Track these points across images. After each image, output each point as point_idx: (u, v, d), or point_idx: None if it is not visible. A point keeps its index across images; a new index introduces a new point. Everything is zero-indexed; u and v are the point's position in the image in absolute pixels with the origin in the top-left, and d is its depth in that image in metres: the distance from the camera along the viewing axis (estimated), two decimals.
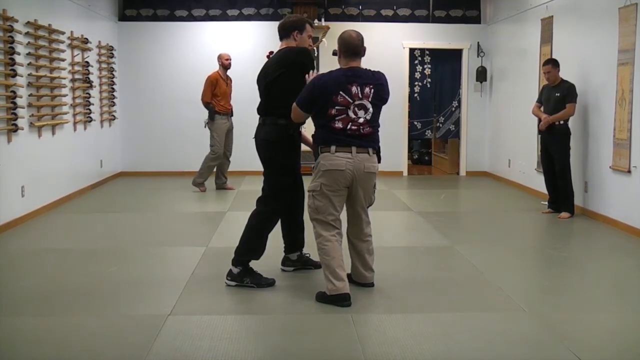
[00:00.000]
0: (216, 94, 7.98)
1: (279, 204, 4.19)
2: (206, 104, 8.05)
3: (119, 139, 9.78)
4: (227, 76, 8.16)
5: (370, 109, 3.84)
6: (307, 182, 4.06)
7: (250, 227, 4.18)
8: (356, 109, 3.80)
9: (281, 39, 4.23)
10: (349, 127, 3.80)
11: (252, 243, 4.16)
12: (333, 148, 3.81)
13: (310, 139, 4.16)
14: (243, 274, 4.14)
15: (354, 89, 3.79)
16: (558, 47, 7.35)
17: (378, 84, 3.87)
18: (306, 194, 4.13)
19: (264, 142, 4.16)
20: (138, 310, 3.78)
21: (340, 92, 3.77)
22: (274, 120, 4.10)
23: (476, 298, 4.02)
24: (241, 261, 4.15)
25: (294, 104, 3.92)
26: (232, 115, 8.22)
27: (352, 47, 3.87)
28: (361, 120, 3.82)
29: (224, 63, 8.05)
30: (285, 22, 4.23)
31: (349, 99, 3.78)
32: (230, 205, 7.33)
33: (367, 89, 3.82)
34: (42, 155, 6.75)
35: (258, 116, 4.26)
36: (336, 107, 3.78)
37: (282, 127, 4.08)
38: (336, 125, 3.80)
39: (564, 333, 3.41)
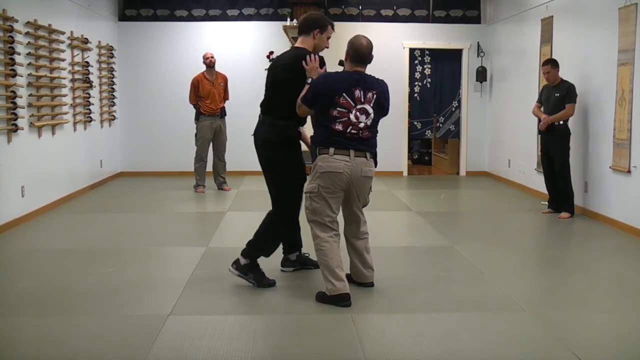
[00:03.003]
0: (200, 95, 7.99)
1: (292, 202, 4.13)
2: (193, 106, 8.11)
3: (119, 139, 9.78)
4: (216, 75, 8.10)
5: (372, 115, 3.84)
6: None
7: (265, 224, 4.16)
8: (358, 113, 3.80)
9: (300, 33, 4.15)
10: (348, 130, 3.80)
11: (265, 241, 4.15)
12: (331, 150, 3.81)
13: (309, 139, 4.16)
14: (249, 268, 4.12)
15: (357, 92, 3.79)
16: (558, 47, 7.35)
17: (380, 90, 3.89)
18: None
19: (265, 143, 4.13)
20: (138, 311, 3.78)
21: (344, 94, 3.77)
22: (271, 120, 4.08)
23: (476, 298, 4.01)
24: (250, 254, 4.13)
25: (299, 100, 3.91)
26: (222, 115, 8.18)
27: (359, 54, 3.87)
28: (362, 125, 3.82)
29: (206, 62, 8.05)
30: (309, 17, 4.15)
31: (351, 102, 3.78)
32: (230, 205, 7.33)
33: (369, 94, 3.82)
34: (42, 155, 6.75)
35: (257, 115, 4.24)
36: (338, 109, 3.78)
37: (281, 128, 4.06)
38: (336, 127, 3.79)
39: (564, 333, 3.41)
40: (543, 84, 6.92)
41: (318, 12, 4.37)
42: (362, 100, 3.80)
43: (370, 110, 3.83)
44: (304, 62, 3.93)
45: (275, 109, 4.09)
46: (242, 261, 4.14)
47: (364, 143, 3.86)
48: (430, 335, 3.38)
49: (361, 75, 3.85)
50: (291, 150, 4.15)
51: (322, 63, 4.01)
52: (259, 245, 4.15)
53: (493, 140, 9.91)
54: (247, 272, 4.13)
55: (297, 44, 4.19)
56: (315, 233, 3.89)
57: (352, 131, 3.81)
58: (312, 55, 3.97)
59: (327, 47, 4.18)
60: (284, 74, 4.04)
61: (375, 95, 3.84)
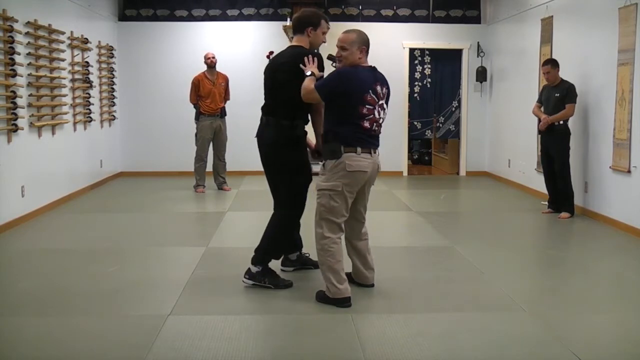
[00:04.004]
0: (201, 94, 8.00)
1: (299, 202, 4.12)
2: (193, 105, 8.11)
3: (119, 139, 9.78)
4: (217, 75, 8.10)
5: (386, 110, 3.88)
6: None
7: (272, 226, 4.14)
8: (379, 109, 3.80)
9: (294, 33, 4.13)
10: (373, 127, 3.80)
11: (275, 243, 4.14)
12: (359, 149, 3.76)
13: (312, 143, 4.13)
14: (262, 274, 4.10)
15: (378, 88, 3.79)
16: (558, 47, 7.35)
17: (388, 85, 3.92)
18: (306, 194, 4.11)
19: (271, 144, 4.08)
20: (138, 311, 3.78)
21: (370, 91, 3.75)
22: (276, 121, 4.05)
23: (476, 298, 4.01)
24: (262, 260, 4.11)
25: (312, 86, 3.77)
26: (222, 115, 8.17)
27: (369, 48, 3.88)
28: (381, 121, 3.85)
29: (207, 62, 8.06)
30: (300, 16, 4.12)
31: (375, 99, 3.77)
32: (230, 205, 7.33)
33: (384, 90, 3.85)
34: (42, 155, 6.75)
35: (257, 115, 4.22)
36: (367, 106, 3.74)
37: (287, 128, 4.03)
38: (365, 124, 3.76)
39: (564, 333, 3.42)
40: (543, 84, 6.92)
41: (310, 9, 4.23)
42: (382, 96, 3.81)
43: (385, 106, 3.87)
44: (301, 65, 3.90)
45: (280, 109, 4.05)
46: (254, 269, 4.11)
47: (378, 139, 3.90)
48: (430, 335, 3.38)
49: (375, 70, 3.85)
50: (298, 151, 4.11)
51: (319, 61, 3.98)
52: (269, 249, 4.12)
53: (493, 140, 9.91)
54: (262, 278, 4.09)
55: (293, 43, 4.18)
56: (324, 233, 3.82)
57: (375, 128, 3.81)
58: (309, 56, 3.93)
59: (324, 42, 4.15)
60: (285, 74, 4.00)
61: (387, 91, 3.88)
